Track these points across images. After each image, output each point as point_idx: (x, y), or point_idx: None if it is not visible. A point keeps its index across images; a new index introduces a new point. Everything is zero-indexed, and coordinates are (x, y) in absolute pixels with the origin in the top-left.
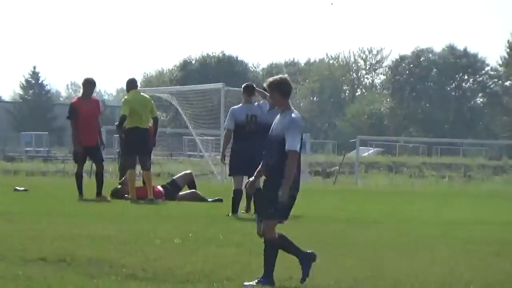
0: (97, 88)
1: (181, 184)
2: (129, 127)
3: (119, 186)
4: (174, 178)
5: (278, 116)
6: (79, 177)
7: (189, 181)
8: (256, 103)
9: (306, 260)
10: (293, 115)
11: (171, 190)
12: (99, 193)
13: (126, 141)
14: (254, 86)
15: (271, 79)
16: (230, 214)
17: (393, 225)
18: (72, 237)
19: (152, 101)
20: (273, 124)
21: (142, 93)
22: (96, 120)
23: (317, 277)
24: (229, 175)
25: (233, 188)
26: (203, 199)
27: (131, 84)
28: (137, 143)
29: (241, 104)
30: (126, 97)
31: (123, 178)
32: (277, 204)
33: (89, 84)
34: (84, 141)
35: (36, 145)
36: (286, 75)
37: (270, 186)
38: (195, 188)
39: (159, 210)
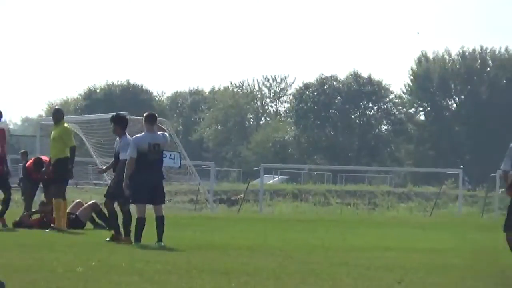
0: (2, 118)
1: (84, 219)
2: (65, 157)
3: (24, 215)
4: (77, 213)
5: None
6: None
7: (96, 211)
8: (160, 132)
9: None
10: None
11: (75, 220)
12: (1, 214)
13: (65, 170)
14: (156, 115)
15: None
16: (133, 243)
17: (295, 253)
18: None
19: None
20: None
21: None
22: (2, 148)
23: None
24: (131, 203)
25: (136, 217)
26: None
27: (63, 113)
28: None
29: (143, 133)
30: (68, 126)
31: (37, 208)
32: None
33: None
34: None
35: None
36: None
37: None
38: (106, 218)
39: (62, 239)
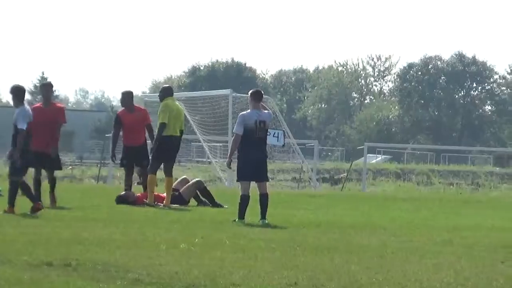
0: (105, 94)
1: (187, 197)
2: (165, 135)
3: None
4: (180, 191)
5: None
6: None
7: (200, 188)
8: (266, 110)
9: None
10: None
11: (178, 198)
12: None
13: (158, 147)
14: (262, 92)
15: None
16: (236, 220)
17: (399, 231)
18: (78, 242)
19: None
20: None
21: (176, 102)
22: (54, 127)
23: (323, 284)
24: (237, 180)
25: (240, 194)
26: (206, 201)
27: (168, 91)
28: (170, 151)
29: (249, 110)
30: (165, 103)
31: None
32: None
33: (44, 88)
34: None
35: None
36: None
37: None
38: (210, 196)
39: (165, 215)
